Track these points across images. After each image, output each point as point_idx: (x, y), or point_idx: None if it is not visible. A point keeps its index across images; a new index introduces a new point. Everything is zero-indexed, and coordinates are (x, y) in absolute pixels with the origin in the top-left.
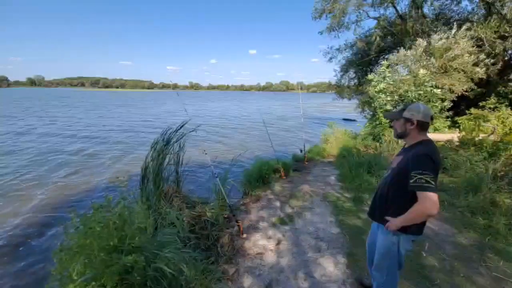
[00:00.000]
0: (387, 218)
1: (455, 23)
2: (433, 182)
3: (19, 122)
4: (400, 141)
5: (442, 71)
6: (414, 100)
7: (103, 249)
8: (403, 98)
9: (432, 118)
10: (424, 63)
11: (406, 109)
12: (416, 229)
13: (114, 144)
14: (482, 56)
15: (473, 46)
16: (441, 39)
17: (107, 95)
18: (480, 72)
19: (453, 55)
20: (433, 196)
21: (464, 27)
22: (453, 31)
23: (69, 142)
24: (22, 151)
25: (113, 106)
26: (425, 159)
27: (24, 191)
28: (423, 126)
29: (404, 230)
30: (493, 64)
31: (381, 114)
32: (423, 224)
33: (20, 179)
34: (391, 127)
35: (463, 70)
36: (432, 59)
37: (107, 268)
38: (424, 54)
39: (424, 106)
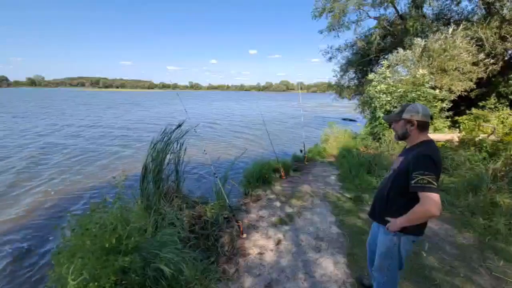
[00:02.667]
0: (388, 218)
1: (453, 23)
2: (434, 183)
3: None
4: (400, 141)
5: (441, 71)
6: (413, 100)
7: (99, 250)
8: (403, 99)
9: (431, 118)
10: (424, 63)
11: (404, 110)
12: (416, 229)
13: (117, 143)
14: (482, 56)
15: (472, 46)
16: (439, 39)
17: (109, 95)
18: (479, 71)
19: (450, 55)
20: (435, 196)
21: (461, 26)
22: (450, 29)
23: (74, 141)
24: (23, 149)
25: (122, 105)
26: (426, 160)
27: (24, 190)
28: (423, 126)
29: (404, 230)
30: (493, 64)
31: (381, 114)
32: (424, 225)
33: (19, 178)
34: (391, 127)
35: (462, 70)
36: (431, 59)
37: (104, 269)
38: (423, 54)
39: (422, 106)
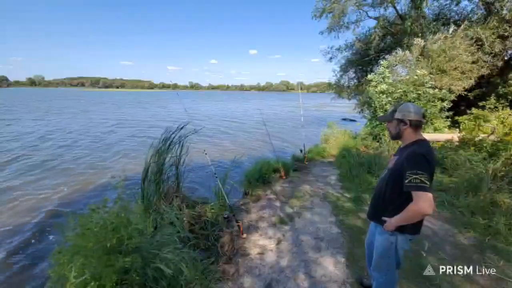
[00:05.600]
0: (384, 218)
1: (453, 23)
2: (427, 182)
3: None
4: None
5: (441, 71)
6: (412, 100)
7: (100, 250)
8: (403, 99)
9: (424, 116)
10: (423, 63)
11: (396, 110)
12: (412, 228)
13: (119, 143)
14: (481, 55)
15: (472, 45)
16: (439, 39)
17: (113, 95)
18: (479, 69)
19: (449, 56)
20: (428, 195)
21: (462, 26)
22: (451, 29)
23: (81, 140)
24: (25, 149)
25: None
26: (419, 159)
27: (26, 189)
28: (416, 125)
29: (401, 229)
30: (492, 64)
31: (381, 115)
32: (419, 223)
33: (21, 177)
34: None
35: (461, 69)
36: (430, 59)
37: (105, 269)
38: (423, 54)
39: (414, 105)
